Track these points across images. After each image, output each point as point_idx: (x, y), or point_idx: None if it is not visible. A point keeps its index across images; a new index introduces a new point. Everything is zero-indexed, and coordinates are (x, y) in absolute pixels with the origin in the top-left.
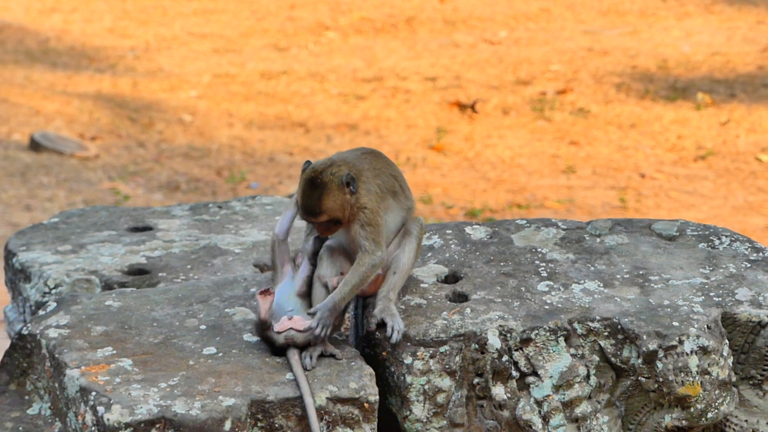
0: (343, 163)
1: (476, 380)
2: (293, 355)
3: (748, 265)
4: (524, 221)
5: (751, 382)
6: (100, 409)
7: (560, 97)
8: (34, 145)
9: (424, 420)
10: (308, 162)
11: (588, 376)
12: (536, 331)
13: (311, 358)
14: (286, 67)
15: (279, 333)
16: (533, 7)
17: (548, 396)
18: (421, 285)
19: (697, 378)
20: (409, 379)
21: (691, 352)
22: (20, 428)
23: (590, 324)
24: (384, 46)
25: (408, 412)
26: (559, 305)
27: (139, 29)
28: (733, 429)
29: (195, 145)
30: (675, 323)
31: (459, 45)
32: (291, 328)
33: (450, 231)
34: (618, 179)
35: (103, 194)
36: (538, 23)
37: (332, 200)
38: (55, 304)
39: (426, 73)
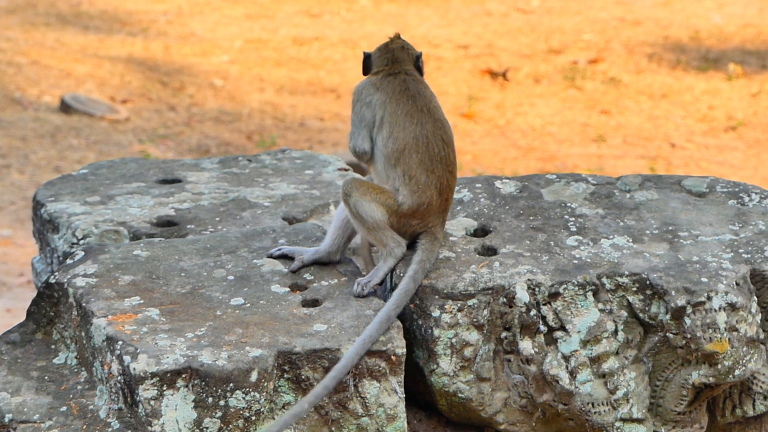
0: None
1: (504, 334)
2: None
3: None
4: (554, 176)
5: None
6: (127, 358)
7: (592, 66)
8: (65, 107)
9: (451, 374)
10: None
11: (616, 332)
12: (565, 286)
13: (364, 287)
14: (318, 33)
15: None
16: None
17: (576, 351)
18: (450, 238)
19: (725, 334)
20: (436, 332)
21: (720, 308)
22: (46, 377)
23: (619, 279)
24: (416, 14)
25: (435, 366)
26: (588, 260)
27: None
28: (761, 386)
29: (226, 109)
30: (704, 279)
31: (491, 13)
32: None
33: (479, 185)
34: (648, 148)
35: (133, 157)
36: None
37: None
38: (82, 253)
39: (458, 41)
